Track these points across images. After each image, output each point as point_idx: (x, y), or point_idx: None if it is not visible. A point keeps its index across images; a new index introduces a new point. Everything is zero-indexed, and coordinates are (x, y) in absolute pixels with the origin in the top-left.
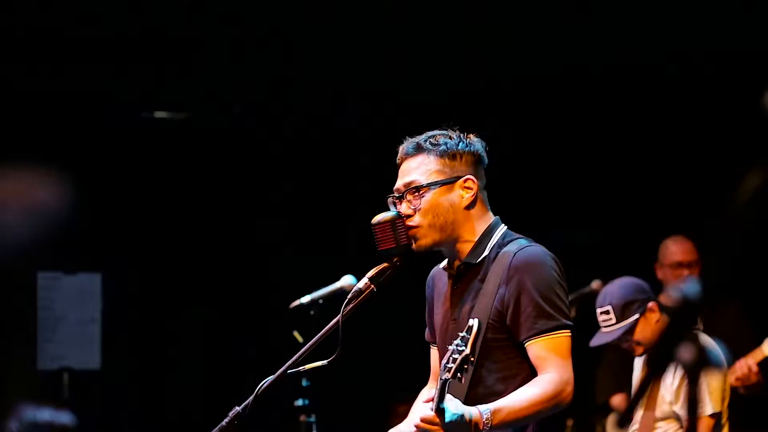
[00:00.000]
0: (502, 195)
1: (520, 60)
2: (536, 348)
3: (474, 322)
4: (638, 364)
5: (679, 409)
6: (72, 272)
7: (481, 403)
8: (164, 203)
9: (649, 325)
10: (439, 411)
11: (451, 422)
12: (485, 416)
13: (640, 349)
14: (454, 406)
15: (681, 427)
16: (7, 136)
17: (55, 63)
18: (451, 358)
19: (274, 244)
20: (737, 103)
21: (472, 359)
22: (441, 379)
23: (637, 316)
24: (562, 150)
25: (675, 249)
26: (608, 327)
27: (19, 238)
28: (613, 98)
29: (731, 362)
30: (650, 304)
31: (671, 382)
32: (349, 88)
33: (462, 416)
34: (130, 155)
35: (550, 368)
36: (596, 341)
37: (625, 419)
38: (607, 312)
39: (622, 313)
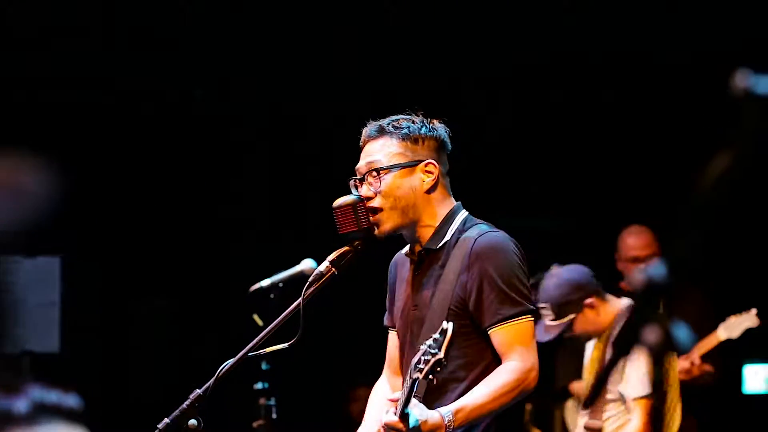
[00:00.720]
0: (467, 181)
1: (488, 48)
2: (500, 335)
3: (448, 326)
4: (590, 346)
5: (624, 389)
6: (31, 255)
7: (440, 390)
8: (125, 188)
9: (588, 320)
10: (404, 416)
11: (414, 428)
12: (447, 419)
13: (583, 338)
14: (418, 412)
15: (625, 407)
16: None
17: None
18: (422, 359)
19: (235, 230)
20: (704, 89)
21: (445, 363)
22: (410, 377)
23: (573, 315)
24: (530, 137)
25: (631, 243)
26: (549, 322)
27: None
28: (581, 85)
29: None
30: (588, 301)
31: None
32: (311, 72)
33: (425, 422)
34: (91, 139)
35: (513, 355)
36: (540, 338)
37: (590, 401)
38: (545, 308)
39: (558, 312)
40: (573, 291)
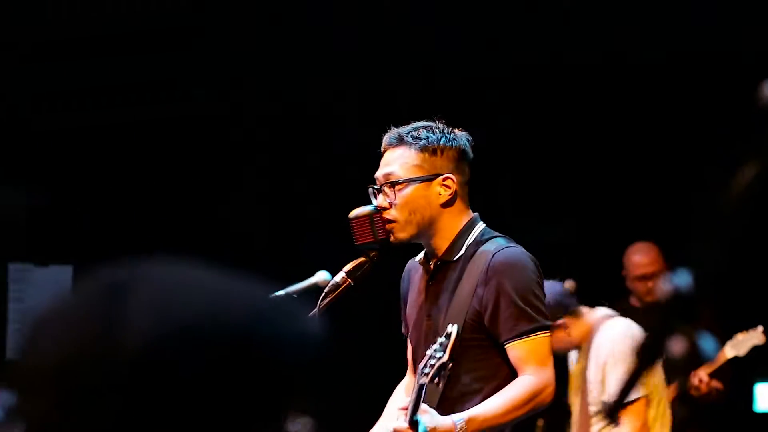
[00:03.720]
0: (481, 191)
1: (493, 53)
2: (516, 350)
3: (453, 328)
4: (572, 357)
5: (606, 397)
6: (43, 264)
7: (457, 402)
8: (137, 195)
9: (558, 339)
10: (413, 423)
11: None
12: (459, 426)
13: (567, 350)
14: (428, 419)
15: (608, 421)
16: None
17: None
18: (428, 364)
19: (247, 235)
20: (714, 97)
21: (450, 366)
22: (417, 383)
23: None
24: (543, 146)
25: (637, 261)
26: None
27: None
28: (590, 94)
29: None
30: (558, 322)
31: (594, 374)
32: (320, 74)
33: (436, 428)
34: (102, 148)
35: (529, 370)
36: None
37: (613, 411)
38: None
39: None
40: (552, 304)
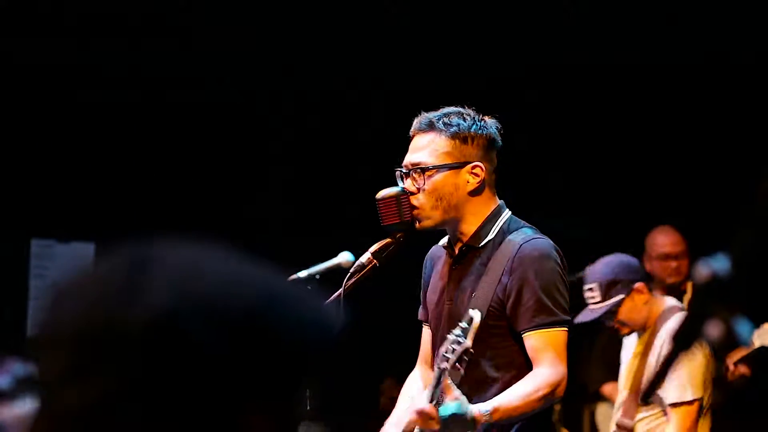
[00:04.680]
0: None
1: (516, 52)
2: (533, 340)
3: (475, 314)
4: (627, 343)
5: (662, 392)
6: (65, 241)
7: (474, 389)
8: (158, 177)
9: (635, 307)
10: (437, 404)
11: (452, 416)
12: (485, 415)
13: (625, 330)
14: (456, 404)
15: (664, 413)
16: None
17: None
18: (449, 348)
19: (263, 223)
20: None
21: (471, 351)
22: (438, 367)
23: (622, 296)
24: (565, 141)
25: (662, 241)
26: (594, 305)
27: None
28: (614, 91)
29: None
30: (637, 285)
31: (653, 366)
32: (348, 66)
33: (464, 414)
34: (125, 127)
35: (545, 362)
36: (581, 318)
37: (646, 396)
38: (591, 289)
39: (606, 292)
40: (624, 271)
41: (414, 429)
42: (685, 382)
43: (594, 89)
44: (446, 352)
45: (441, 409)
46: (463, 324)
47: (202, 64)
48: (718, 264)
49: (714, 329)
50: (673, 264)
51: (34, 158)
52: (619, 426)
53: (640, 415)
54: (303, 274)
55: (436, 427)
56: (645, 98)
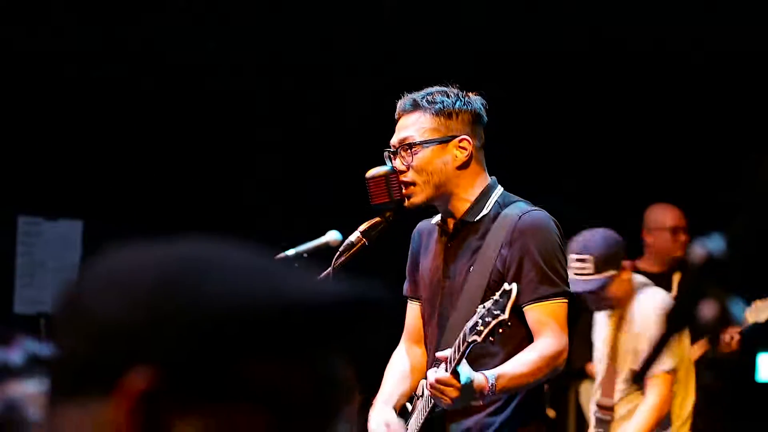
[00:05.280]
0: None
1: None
2: (536, 313)
3: (512, 287)
4: (600, 320)
5: (636, 366)
6: (53, 218)
7: (474, 363)
8: (150, 154)
9: (621, 283)
10: (455, 373)
11: (465, 385)
12: (491, 382)
13: (606, 306)
14: (467, 370)
15: (637, 386)
16: None
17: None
18: (481, 321)
19: (261, 202)
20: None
21: (509, 323)
22: (467, 341)
23: (614, 271)
24: (559, 118)
25: (671, 214)
26: (584, 276)
27: None
28: (607, 71)
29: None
30: (625, 262)
31: (628, 342)
32: (339, 37)
33: (472, 381)
34: (115, 102)
35: (547, 333)
36: (574, 287)
37: (639, 377)
38: (584, 260)
39: (602, 265)
40: (619, 246)
41: (418, 392)
42: (661, 353)
43: (575, 72)
44: (476, 326)
45: (458, 377)
46: (497, 297)
47: (191, 44)
48: (713, 244)
49: (708, 310)
50: (682, 237)
51: (21, 135)
52: (600, 405)
53: (619, 394)
54: (291, 252)
55: (456, 394)
56: (632, 77)
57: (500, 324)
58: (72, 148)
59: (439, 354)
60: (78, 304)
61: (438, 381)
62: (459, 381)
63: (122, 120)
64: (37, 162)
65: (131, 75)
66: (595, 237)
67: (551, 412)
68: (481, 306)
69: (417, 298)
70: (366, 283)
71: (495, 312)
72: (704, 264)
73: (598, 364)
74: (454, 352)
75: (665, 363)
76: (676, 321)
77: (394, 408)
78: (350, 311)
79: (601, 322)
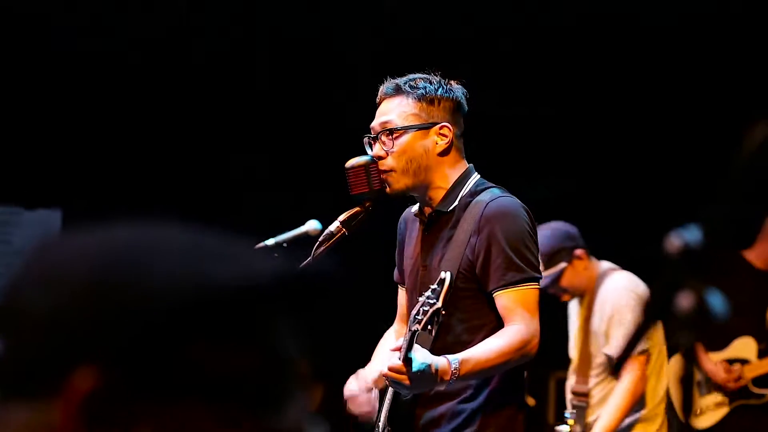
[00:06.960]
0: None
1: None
2: (504, 299)
3: (446, 275)
4: (572, 311)
5: (610, 350)
6: (31, 208)
7: (447, 352)
8: (131, 138)
9: (576, 273)
10: (407, 360)
11: (418, 371)
12: (453, 366)
13: (566, 296)
14: (421, 356)
15: (610, 373)
16: None
17: None
18: (421, 310)
19: (249, 181)
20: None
21: (443, 312)
22: (410, 330)
23: (564, 264)
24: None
25: None
26: None
27: None
28: (596, 49)
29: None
30: (578, 252)
31: (598, 326)
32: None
33: (429, 366)
34: (94, 86)
35: (516, 320)
36: None
37: (617, 367)
38: None
39: (549, 261)
40: (565, 239)
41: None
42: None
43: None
44: (418, 314)
45: (411, 364)
46: (434, 286)
47: (171, 22)
48: (689, 235)
49: (685, 300)
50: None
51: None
52: (574, 392)
53: (593, 380)
54: (270, 242)
55: (408, 382)
56: (610, 58)
57: (435, 312)
58: (50, 136)
59: (392, 347)
60: (13, 300)
61: (390, 369)
62: (411, 368)
63: (101, 108)
64: (14, 151)
65: (109, 59)
66: (542, 233)
67: (531, 400)
68: (422, 295)
69: (404, 284)
70: (321, 261)
71: (431, 301)
72: (681, 254)
73: (572, 351)
74: (405, 340)
75: (639, 345)
76: (652, 312)
77: (376, 384)
78: (295, 288)
79: (573, 311)
